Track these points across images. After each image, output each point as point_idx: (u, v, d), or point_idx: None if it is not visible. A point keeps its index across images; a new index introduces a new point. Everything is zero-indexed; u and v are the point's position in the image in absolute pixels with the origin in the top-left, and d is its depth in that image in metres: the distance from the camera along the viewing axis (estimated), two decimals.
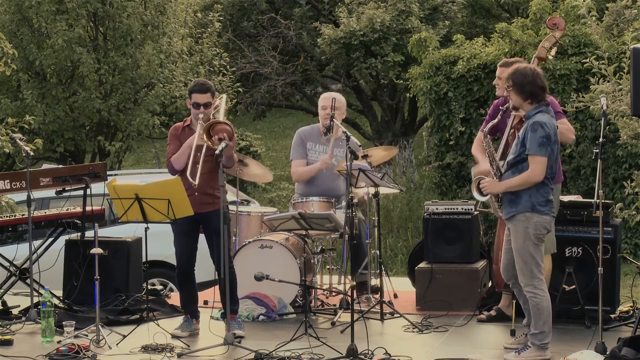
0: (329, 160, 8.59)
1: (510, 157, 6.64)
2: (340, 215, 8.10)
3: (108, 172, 9.33)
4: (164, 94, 16.27)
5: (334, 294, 8.66)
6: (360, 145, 7.73)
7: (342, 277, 8.70)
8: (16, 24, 15.93)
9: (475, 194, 6.92)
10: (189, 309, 7.65)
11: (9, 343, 7.44)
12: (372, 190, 8.30)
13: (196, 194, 7.26)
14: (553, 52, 7.76)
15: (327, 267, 8.99)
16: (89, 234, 8.33)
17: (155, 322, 7.77)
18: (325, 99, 8.69)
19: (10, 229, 8.68)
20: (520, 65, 6.70)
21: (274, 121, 27.75)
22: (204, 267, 7.76)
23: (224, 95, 7.88)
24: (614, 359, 6.34)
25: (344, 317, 7.82)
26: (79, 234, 8.66)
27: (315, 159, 8.75)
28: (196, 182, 7.11)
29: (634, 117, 8.84)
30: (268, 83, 20.61)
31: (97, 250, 7.38)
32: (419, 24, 18.85)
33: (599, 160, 6.79)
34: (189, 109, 7.61)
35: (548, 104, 6.61)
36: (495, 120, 7.13)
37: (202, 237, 7.57)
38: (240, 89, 18.82)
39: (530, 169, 6.45)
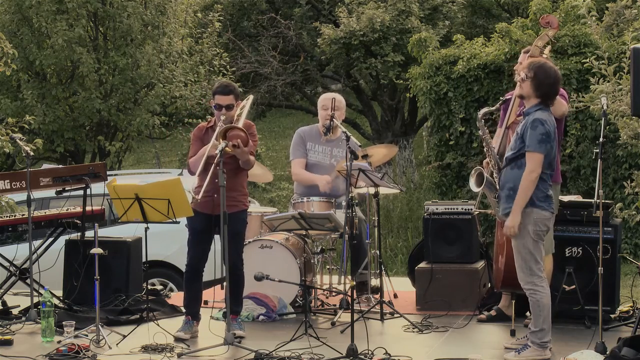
0: (330, 186, 8.57)
1: (509, 153, 6.64)
2: (340, 215, 8.11)
3: (108, 172, 9.33)
4: (164, 94, 16.26)
5: (334, 294, 8.66)
6: (360, 145, 7.73)
7: (342, 277, 8.69)
8: (16, 24, 15.93)
9: (472, 185, 6.95)
10: (192, 310, 7.59)
11: (9, 343, 7.44)
12: (372, 190, 8.30)
13: (215, 195, 7.19)
14: (547, 50, 7.73)
15: (327, 267, 9.00)
16: (89, 234, 8.33)
17: (155, 322, 7.77)
18: (325, 99, 8.69)
19: (10, 229, 8.68)
20: (548, 63, 6.65)
21: (274, 121, 27.74)
22: (205, 267, 7.74)
23: (251, 97, 7.81)
24: (614, 359, 6.34)
25: (344, 317, 7.82)
26: (79, 234, 8.66)
27: (315, 159, 8.76)
28: (199, 197, 7.09)
29: (634, 117, 8.85)
30: (268, 83, 20.61)
31: (97, 250, 7.38)
32: (419, 24, 18.85)
33: (599, 160, 6.79)
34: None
35: (549, 105, 6.61)
36: (493, 108, 7.23)
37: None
38: (240, 89, 18.80)
39: (527, 167, 6.44)
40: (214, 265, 7.51)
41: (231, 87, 7.49)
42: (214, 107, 7.45)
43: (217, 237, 7.46)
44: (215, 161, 7.05)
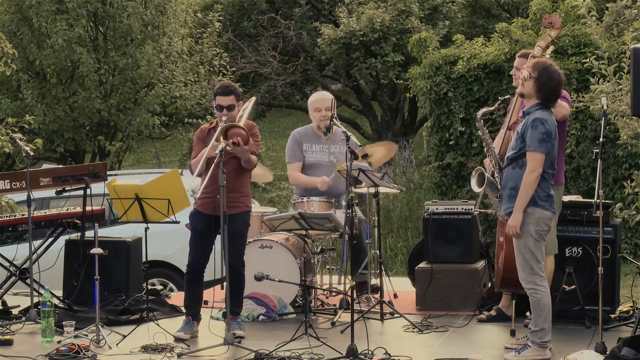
0: (327, 185, 8.57)
1: (510, 152, 6.64)
2: (340, 215, 8.11)
3: (108, 172, 9.33)
4: (164, 94, 16.26)
5: (334, 294, 8.66)
6: (360, 145, 7.73)
7: (342, 277, 8.69)
8: (16, 24, 15.92)
9: (473, 185, 6.95)
10: (192, 311, 7.58)
11: (9, 343, 7.45)
12: (372, 190, 8.30)
13: (218, 196, 7.19)
14: (549, 51, 7.73)
15: (327, 267, 9.00)
16: (89, 234, 8.33)
17: (155, 322, 7.77)
18: (316, 101, 8.68)
19: (10, 229, 8.68)
20: (553, 66, 6.62)
21: (274, 121, 27.73)
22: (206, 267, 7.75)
23: (253, 98, 7.83)
24: (614, 359, 6.34)
25: (344, 317, 7.82)
26: (79, 234, 8.66)
27: (314, 159, 8.75)
28: (198, 195, 7.10)
29: (634, 117, 8.84)
30: (268, 83, 20.62)
31: (97, 250, 7.38)
32: (419, 24, 18.85)
33: (599, 160, 6.79)
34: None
35: (550, 106, 6.60)
36: (492, 108, 7.24)
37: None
38: (240, 89, 18.80)
39: (527, 167, 6.44)
40: (214, 265, 7.50)
41: (232, 87, 7.52)
42: (215, 108, 7.46)
43: (218, 237, 7.47)
44: (215, 161, 7.06)
